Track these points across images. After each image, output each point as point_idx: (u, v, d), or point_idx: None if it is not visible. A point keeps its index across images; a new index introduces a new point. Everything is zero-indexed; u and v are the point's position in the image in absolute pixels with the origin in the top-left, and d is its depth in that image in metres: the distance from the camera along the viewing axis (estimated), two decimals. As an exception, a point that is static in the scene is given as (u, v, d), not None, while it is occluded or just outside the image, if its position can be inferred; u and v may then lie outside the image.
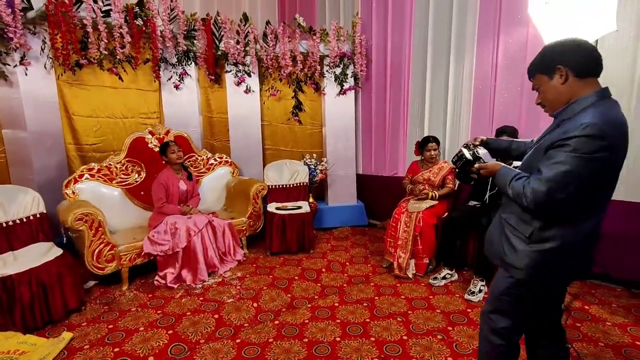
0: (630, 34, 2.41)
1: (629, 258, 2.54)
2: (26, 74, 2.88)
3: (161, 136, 3.39)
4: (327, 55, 4.02)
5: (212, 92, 3.94)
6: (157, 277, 2.83)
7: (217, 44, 3.68)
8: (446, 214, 3.07)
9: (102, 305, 2.52)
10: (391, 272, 2.96)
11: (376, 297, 2.60)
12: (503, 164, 1.34)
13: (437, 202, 3.03)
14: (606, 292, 2.59)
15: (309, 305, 2.50)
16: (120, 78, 3.37)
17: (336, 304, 2.51)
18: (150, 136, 3.35)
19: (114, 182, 3.15)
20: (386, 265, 3.11)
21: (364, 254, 3.46)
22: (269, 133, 4.26)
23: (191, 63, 3.65)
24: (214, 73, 3.77)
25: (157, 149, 3.28)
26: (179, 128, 3.57)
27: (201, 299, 2.61)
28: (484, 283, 2.59)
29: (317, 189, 4.26)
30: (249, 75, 3.89)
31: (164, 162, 3.07)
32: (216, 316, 2.37)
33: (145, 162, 3.30)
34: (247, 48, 3.75)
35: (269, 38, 3.83)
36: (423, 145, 3.16)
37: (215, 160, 3.83)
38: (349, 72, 4.14)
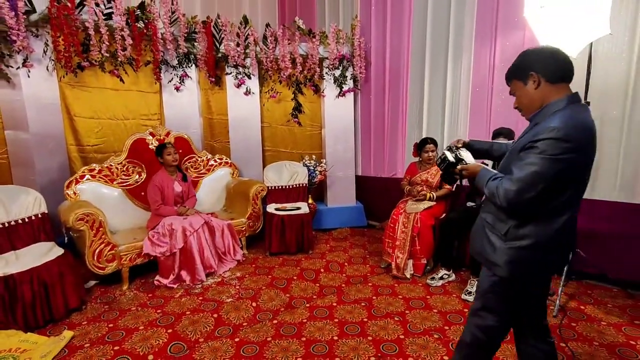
0: (625, 38, 2.44)
1: (626, 258, 2.57)
2: (29, 76, 2.92)
3: (162, 137, 3.42)
4: (327, 58, 4.05)
5: (213, 94, 3.97)
6: (157, 277, 2.86)
7: (218, 46, 3.72)
8: (444, 214, 3.10)
9: (102, 305, 2.55)
10: (389, 273, 2.98)
11: (374, 297, 2.62)
12: (483, 166, 1.41)
13: (434, 203, 3.05)
14: (602, 293, 2.61)
15: (308, 305, 2.53)
16: (121, 80, 3.40)
17: (334, 304, 2.54)
18: (150, 137, 3.38)
19: (114, 182, 3.18)
20: (384, 266, 3.13)
21: (362, 254, 3.49)
22: (269, 134, 4.30)
23: (192, 65, 3.69)
24: (215, 75, 3.81)
25: (156, 150, 3.31)
26: (179, 129, 3.61)
27: (200, 298, 2.63)
28: (481, 283, 2.61)
29: (316, 190, 4.29)
30: (249, 77, 3.92)
31: (160, 162, 3.09)
32: (215, 315, 2.40)
33: (145, 163, 3.33)
34: (247, 50, 3.79)
35: (268, 40, 3.87)
36: (421, 146, 3.18)
37: (215, 161, 3.86)
38: (348, 74, 4.17)
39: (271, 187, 3.88)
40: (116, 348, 2.05)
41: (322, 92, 4.21)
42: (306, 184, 4.03)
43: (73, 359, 1.97)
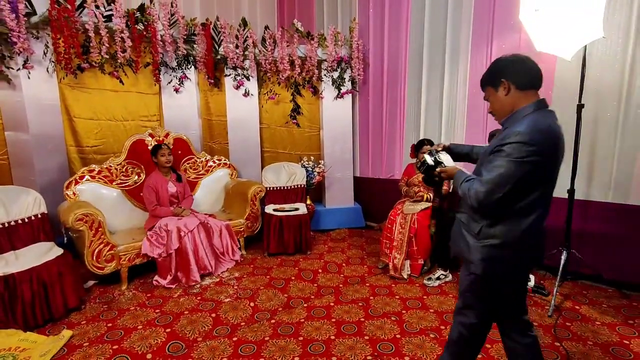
0: (619, 41, 2.47)
1: (621, 259, 2.59)
2: (29, 78, 2.94)
3: (161, 138, 3.44)
4: (325, 60, 4.08)
5: (212, 96, 4.00)
6: (155, 278, 2.87)
7: (217, 48, 3.75)
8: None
9: (101, 304, 2.56)
10: (386, 273, 3.00)
11: (371, 297, 2.64)
12: (459, 168, 1.46)
13: (432, 204, 3.08)
14: (597, 293, 2.63)
15: (305, 305, 2.54)
16: (121, 81, 3.43)
17: (332, 304, 2.56)
18: (150, 138, 3.40)
19: (114, 183, 3.20)
20: (382, 266, 3.15)
21: (360, 255, 3.51)
22: (268, 136, 4.32)
23: (191, 67, 3.72)
24: (214, 77, 3.83)
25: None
26: (178, 131, 3.63)
27: (199, 298, 2.65)
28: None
29: (314, 191, 4.31)
30: (248, 79, 3.95)
31: (154, 163, 3.11)
32: (213, 315, 2.41)
33: (144, 164, 3.35)
34: (246, 52, 3.82)
35: (267, 43, 3.90)
36: (418, 148, 3.20)
37: (214, 162, 3.88)
38: (347, 76, 4.20)
39: (270, 188, 3.90)
40: (115, 347, 2.07)
41: (321, 93, 4.24)
42: (304, 185, 4.05)
43: (72, 358, 1.98)
